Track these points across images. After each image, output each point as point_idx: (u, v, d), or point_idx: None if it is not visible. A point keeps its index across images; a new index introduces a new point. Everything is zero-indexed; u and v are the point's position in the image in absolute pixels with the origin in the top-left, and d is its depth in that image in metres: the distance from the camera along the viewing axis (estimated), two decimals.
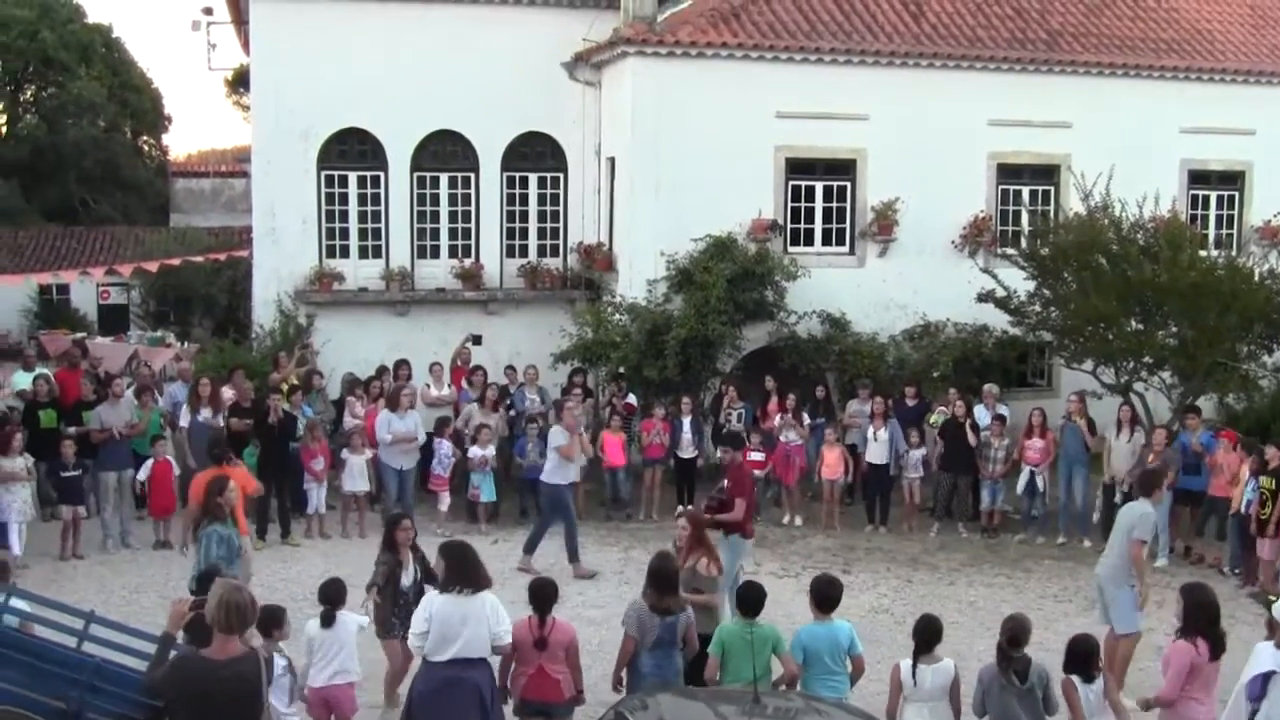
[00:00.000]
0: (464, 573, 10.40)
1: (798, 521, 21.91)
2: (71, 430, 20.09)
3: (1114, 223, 22.84)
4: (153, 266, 39.45)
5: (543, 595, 11.00)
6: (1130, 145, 25.84)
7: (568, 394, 22.78)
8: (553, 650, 10.81)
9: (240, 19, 28.94)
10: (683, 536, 12.89)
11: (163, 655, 8.83)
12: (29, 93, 61.43)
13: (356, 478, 20.73)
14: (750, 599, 11.15)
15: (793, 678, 11.01)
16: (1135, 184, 23.53)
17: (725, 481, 15.92)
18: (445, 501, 21.23)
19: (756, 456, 22.09)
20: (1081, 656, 10.59)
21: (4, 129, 61.60)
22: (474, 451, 21.19)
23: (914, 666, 10.50)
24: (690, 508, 19.58)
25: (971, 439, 21.62)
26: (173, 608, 9.29)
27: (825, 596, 11.20)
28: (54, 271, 43.92)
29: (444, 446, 21.25)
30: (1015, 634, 10.43)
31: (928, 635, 10.63)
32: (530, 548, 18.89)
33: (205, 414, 20.71)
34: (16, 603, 10.78)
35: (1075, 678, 10.49)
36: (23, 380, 22.65)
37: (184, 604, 9.29)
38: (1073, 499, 21.22)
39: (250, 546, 15.04)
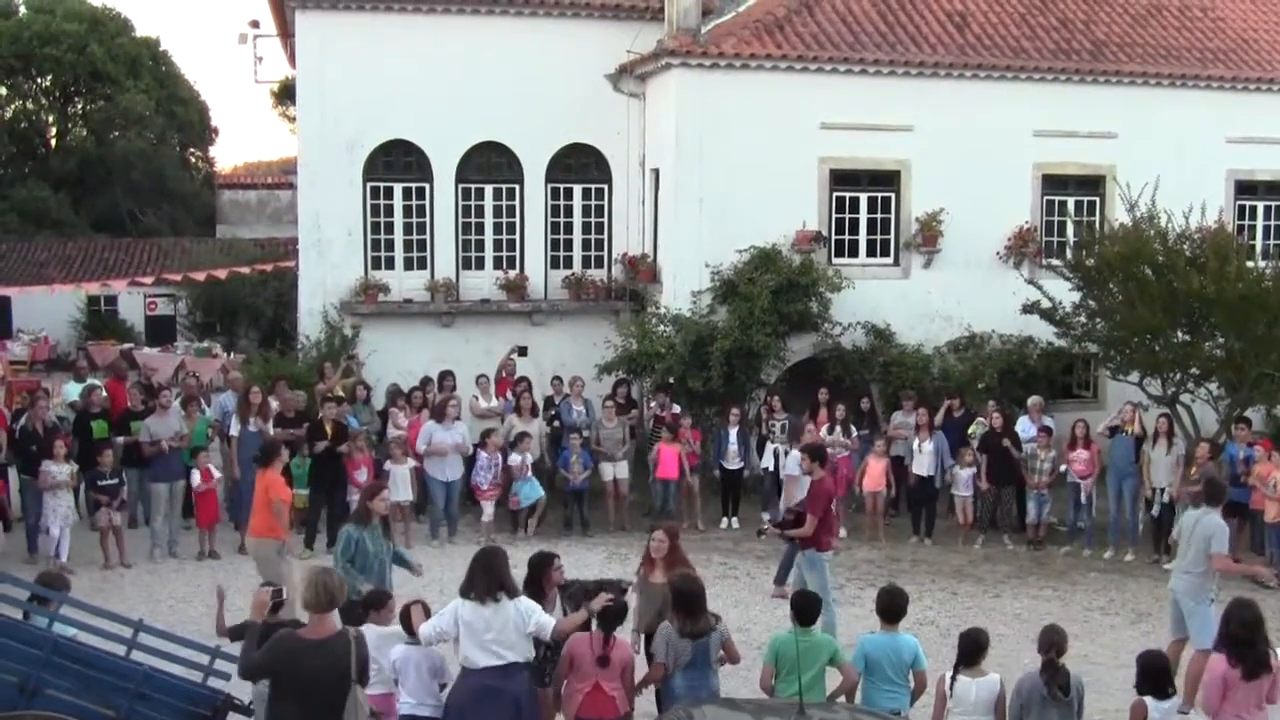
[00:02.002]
0: (475, 580, 10.31)
1: (843, 533, 21.82)
2: (119, 440, 20.28)
3: (1160, 233, 22.68)
4: (200, 277, 39.76)
5: (612, 615, 10.76)
6: (1176, 155, 25.70)
7: (609, 398, 22.86)
8: (612, 668, 10.58)
9: (286, 32, 29.11)
10: (660, 548, 12.57)
11: (251, 641, 9.42)
12: (78, 105, 62.13)
13: (399, 488, 20.80)
14: (804, 608, 11.10)
15: (851, 687, 10.98)
16: (1181, 194, 23.37)
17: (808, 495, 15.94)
18: (488, 512, 21.30)
19: None
20: (1154, 675, 10.49)
21: (54, 141, 62.27)
22: (513, 458, 21.28)
23: (953, 678, 10.49)
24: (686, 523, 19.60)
25: (1013, 451, 21.59)
26: (256, 596, 9.92)
27: (889, 607, 11.17)
28: (103, 281, 44.31)
29: (482, 457, 21.40)
30: (1061, 645, 10.40)
31: (971, 649, 10.61)
32: (781, 577, 18.06)
33: (255, 424, 20.82)
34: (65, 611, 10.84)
35: (1148, 699, 10.38)
36: (74, 391, 22.87)
37: (265, 593, 9.91)
38: (1122, 511, 21.10)
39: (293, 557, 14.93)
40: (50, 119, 62.81)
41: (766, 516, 21.52)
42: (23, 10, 59.01)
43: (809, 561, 15.67)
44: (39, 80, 60.55)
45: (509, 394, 23.23)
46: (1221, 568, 14.08)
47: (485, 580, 10.26)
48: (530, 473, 21.36)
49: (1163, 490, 20.36)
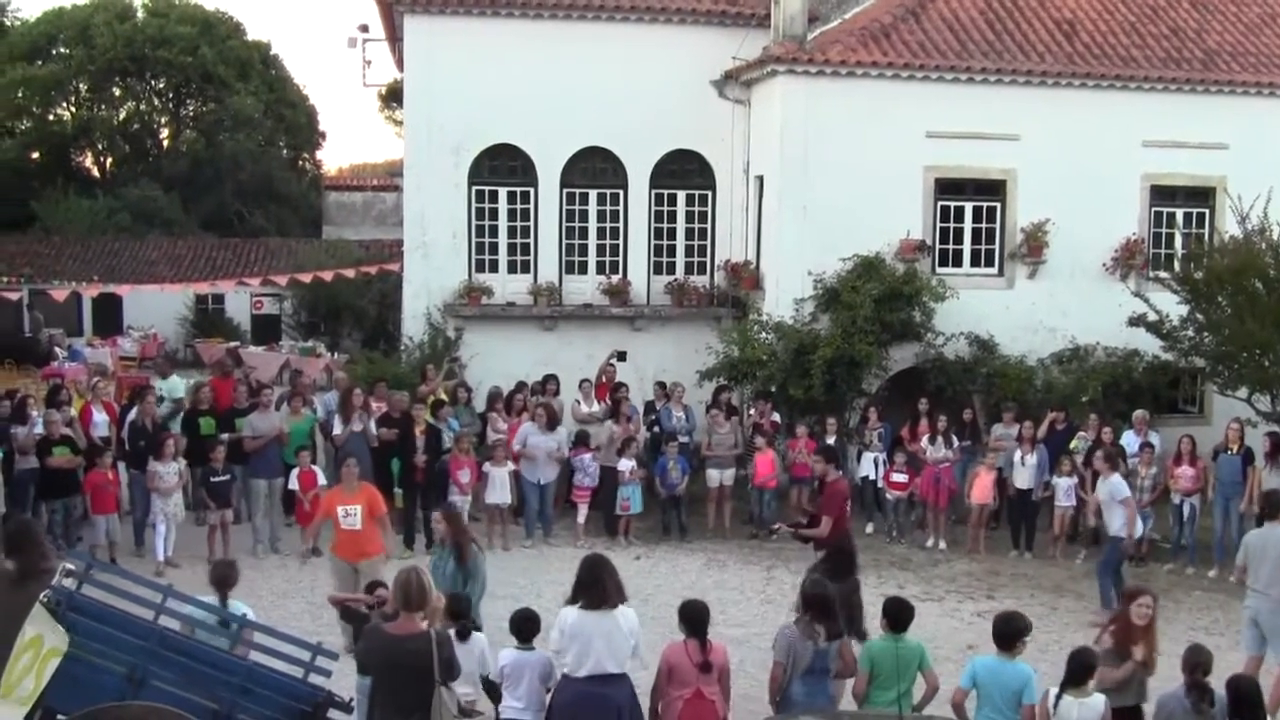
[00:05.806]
0: (590, 587, 10.42)
1: (942, 545, 21.68)
2: (225, 436, 20.56)
3: (1272, 246, 22.30)
4: (306, 278, 40.19)
5: (699, 618, 10.60)
6: None
7: (713, 404, 22.87)
8: (713, 673, 10.49)
9: (395, 36, 29.40)
10: (1145, 615, 11.80)
11: None
12: (189, 107, 63.22)
13: (498, 490, 20.93)
14: (898, 615, 11.03)
15: (933, 693, 10.90)
16: None
17: (820, 497, 15.92)
18: (583, 514, 21.42)
19: (899, 477, 21.97)
20: (1245, 703, 10.02)
21: (165, 142, 63.38)
22: (622, 464, 21.35)
23: (1059, 697, 10.24)
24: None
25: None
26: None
27: (1005, 633, 10.73)
28: (212, 281, 45.01)
29: (584, 461, 21.51)
30: (1207, 665, 10.24)
31: (1080, 669, 10.32)
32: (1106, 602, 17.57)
33: (357, 422, 21.01)
34: (183, 607, 10.94)
35: None
36: (173, 387, 23.08)
37: None
38: (1229, 529, 20.70)
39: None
40: (162, 120, 63.99)
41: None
42: (140, 14, 60.18)
43: None
44: (152, 82, 61.70)
45: (607, 399, 23.30)
46: None
47: (609, 586, 10.43)
48: (638, 478, 21.46)
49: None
